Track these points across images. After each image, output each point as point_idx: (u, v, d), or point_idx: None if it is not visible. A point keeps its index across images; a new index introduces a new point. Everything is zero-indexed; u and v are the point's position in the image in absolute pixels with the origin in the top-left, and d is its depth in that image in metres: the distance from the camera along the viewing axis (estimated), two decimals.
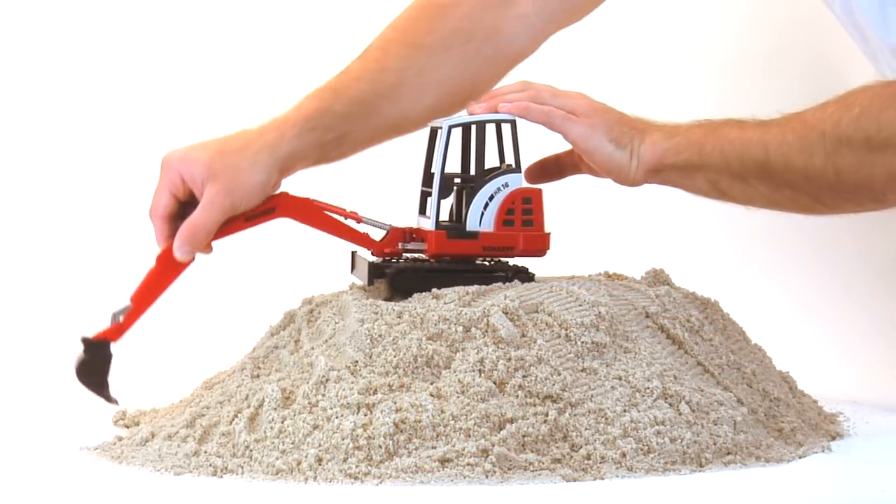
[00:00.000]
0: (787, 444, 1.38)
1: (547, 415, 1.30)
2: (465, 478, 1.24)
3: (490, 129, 1.48)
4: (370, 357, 1.34)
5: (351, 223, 1.48)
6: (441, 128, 1.46)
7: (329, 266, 1.72)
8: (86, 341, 1.43)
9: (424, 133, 1.51)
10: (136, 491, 1.25)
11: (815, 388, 1.58)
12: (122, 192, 2.15)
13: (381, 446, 1.25)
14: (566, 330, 1.37)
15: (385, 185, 2.02)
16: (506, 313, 1.37)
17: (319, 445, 1.26)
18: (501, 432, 1.27)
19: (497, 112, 1.46)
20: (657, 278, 1.51)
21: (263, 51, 2.27)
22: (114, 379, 1.43)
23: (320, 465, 1.25)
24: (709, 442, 1.32)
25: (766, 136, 1.43)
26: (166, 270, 1.43)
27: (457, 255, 1.46)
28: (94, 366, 1.44)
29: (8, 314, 2.10)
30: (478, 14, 1.56)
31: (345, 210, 1.48)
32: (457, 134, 1.47)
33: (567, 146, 1.50)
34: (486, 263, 1.47)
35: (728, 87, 2.17)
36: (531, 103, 1.46)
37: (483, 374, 1.31)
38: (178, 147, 1.44)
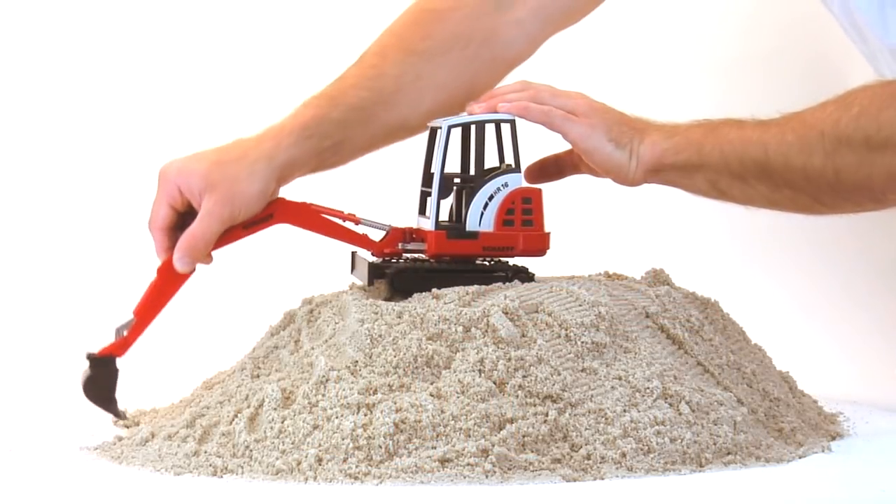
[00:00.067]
0: (787, 444, 1.38)
1: (547, 415, 1.30)
2: (465, 478, 1.23)
3: (490, 129, 1.47)
4: (370, 357, 1.34)
5: (349, 225, 1.48)
6: (441, 128, 1.46)
7: (329, 266, 1.72)
8: (91, 357, 1.43)
9: (424, 133, 1.51)
10: (136, 491, 1.25)
11: (815, 388, 1.58)
12: (122, 204, 2.15)
13: (381, 446, 1.25)
14: (566, 330, 1.36)
15: (385, 185, 2.02)
16: (506, 313, 1.36)
17: (319, 445, 1.26)
18: (501, 432, 1.27)
19: (496, 112, 1.46)
20: (657, 278, 1.51)
21: (259, 58, 2.27)
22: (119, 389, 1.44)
23: (320, 465, 1.25)
24: (709, 442, 1.32)
25: (765, 136, 1.43)
26: (167, 282, 1.43)
27: (457, 255, 1.46)
28: (101, 381, 1.44)
29: (8, 316, 2.10)
30: (474, 19, 1.56)
31: (342, 212, 1.48)
32: (456, 134, 1.47)
33: (566, 146, 1.49)
34: (486, 263, 1.47)
35: (728, 87, 2.17)
36: (531, 103, 1.46)
37: (483, 374, 1.31)
38: (175, 158, 1.44)
